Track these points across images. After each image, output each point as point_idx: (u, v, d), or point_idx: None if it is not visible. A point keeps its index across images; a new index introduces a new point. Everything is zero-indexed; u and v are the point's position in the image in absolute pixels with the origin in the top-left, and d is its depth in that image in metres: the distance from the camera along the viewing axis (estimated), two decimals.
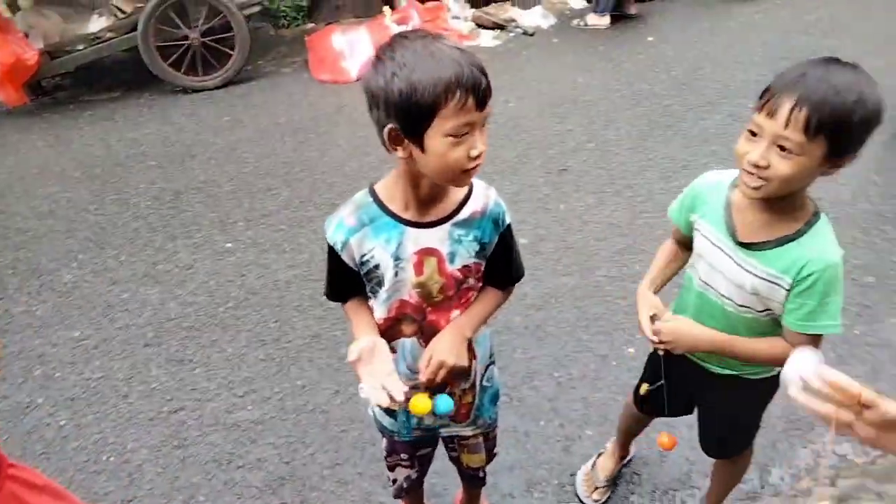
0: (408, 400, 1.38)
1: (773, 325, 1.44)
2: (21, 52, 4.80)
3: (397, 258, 1.34)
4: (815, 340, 1.35)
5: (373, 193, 1.35)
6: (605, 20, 5.88)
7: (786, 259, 1.33)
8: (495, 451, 1.86)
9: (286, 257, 3.34)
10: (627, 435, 2.15)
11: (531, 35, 5.90)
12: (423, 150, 1.18)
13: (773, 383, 1.54)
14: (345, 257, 1.36)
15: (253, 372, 2.70)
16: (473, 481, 1.90)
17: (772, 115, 1.20)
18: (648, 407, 1.96)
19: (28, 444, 2.45)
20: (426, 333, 1.44)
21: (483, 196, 1.37)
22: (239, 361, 2.76)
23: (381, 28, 5.37)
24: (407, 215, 1.32)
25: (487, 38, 5.81)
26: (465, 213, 1.35)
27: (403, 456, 1.72)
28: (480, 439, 1.73)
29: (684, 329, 1.49)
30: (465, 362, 1.42)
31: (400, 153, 1.21)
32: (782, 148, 1.21)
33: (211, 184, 4.00)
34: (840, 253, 1.32)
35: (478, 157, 1.19)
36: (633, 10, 6.04)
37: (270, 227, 3.57)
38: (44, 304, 3.15)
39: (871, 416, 0.89)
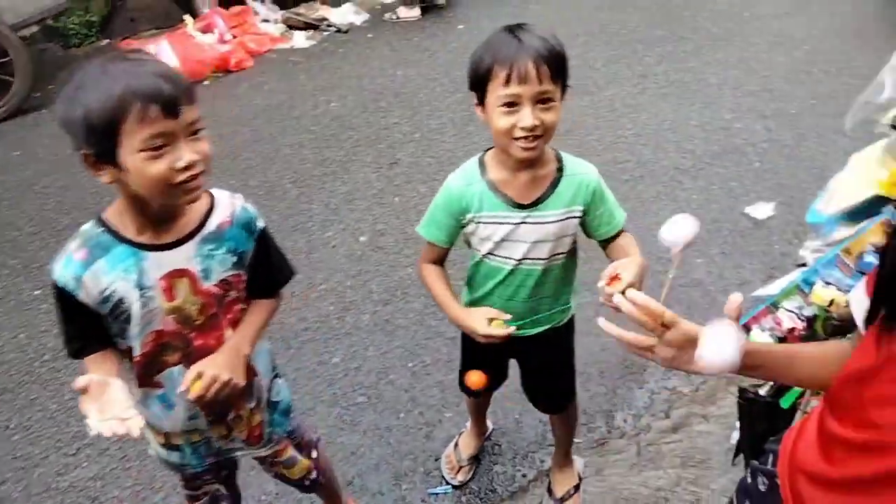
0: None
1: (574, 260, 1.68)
2: None
3: (142, 287, 1.24)
4: (621, 234, 1.62)
5: (102, 222, 1.24)
6: (416, 12, 5.99)
7: (566, 193, 1.53)
8: (318, 445, 1.78)
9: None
10: (478, 412, 2.21)
11: (345, 32, 5.87)
12: (122, 170, 1.13)
13: (571, 323, 1.80)
14: (82, 297, 1.23)
15: (84, 425, 2.44)
16: (303, 489, 1.81)
17: (524, 80, 1.34)
18: (473, 391, 2.01)
19: None
20: (194, 359, 1.33)
21: (228, 205, 1.33)
22: (66, 417, 2.50)
23: (185, 38, 5.08)
24: (143, 239, 1.24)
25: (301, 39, 5.70)
26: (211, 226, 1.29)
27: (207, 477, 1.60)
28: (291, 451, 1.65)
29: (633, 261, 1.42)
30: (242, 380, 1.36)
31: (105, 178, 1.16)
32: (544, 101, 1.37)
33: (7, 227, 3.58)
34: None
35: (186, 168, 1.14)
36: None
37: None
38: None
39: (671, 336, 0.97)
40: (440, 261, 1.72)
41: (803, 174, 3.55)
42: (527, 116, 1.36)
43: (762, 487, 1.12)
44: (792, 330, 1.42)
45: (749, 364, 1.01)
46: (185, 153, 1.13)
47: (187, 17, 5.36)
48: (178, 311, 1.29)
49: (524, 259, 1.58)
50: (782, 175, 3.57)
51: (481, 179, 1.55)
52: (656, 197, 3.49)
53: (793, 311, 1.43)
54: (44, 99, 4.97)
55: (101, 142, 1.10)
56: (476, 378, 1.72)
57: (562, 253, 1.58)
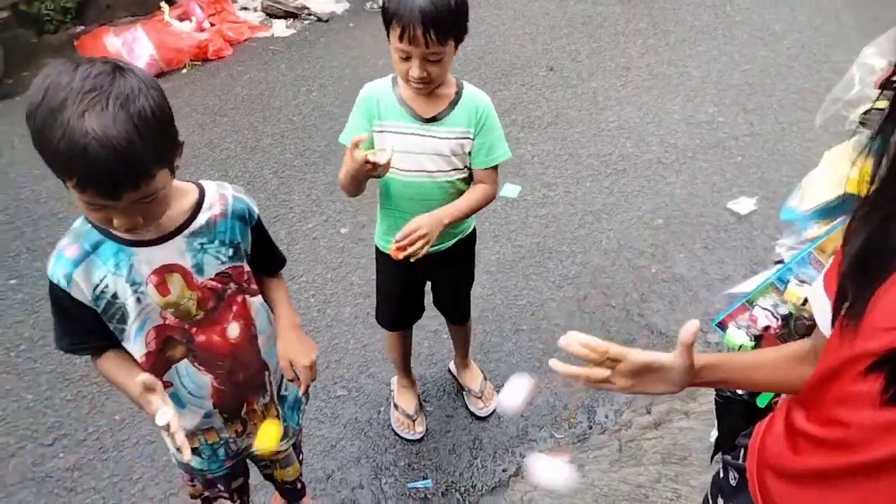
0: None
1: (467, 184, 1.82)
2: None
3: (134, 283, 1.22)
4: (496, 172, 1.79)
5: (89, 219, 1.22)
6: None
7: (462, 115, 1.70)
8: (301, 456, 1.82)
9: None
10: (405, 360, 2.32)
11: (326, 21, 5.79)
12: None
13: (474, 235, 2.03)
14: (75, 293, 1.21)
15: (61, 415, 2.43)
16: (293, 494, 1.83)
17: (413, 42, 1.50)
18: (398, 322, 2.19)
19: None
20: (199, 355, 1.33)
21: (219, 198, 1.30)
22: (42, 407, 2.46)
23: (161, 26, 4.98)
24: (128, 235, 1.20)
25: (281, 28, 5.61)
26: (201, 220, 1.26)
27: (220, 487, 1.61)
28: (290, 450, 1.67)
29: (425, 219, 1.65)
30: (316, 349, 1.41)
31: None
32: (432, 59, 1.55)
33: None
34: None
35: (128, 230, 1.13)
36: None
37: None
38: None
39: (623, 367, 0.99)
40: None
41: (785, 168, 3.58)
42: (415, 69, 1.56)
43: (733, 482, 1.13)
44: (767, 328, 1.42)
45: (708, 378, 1.04)
46: (121, 219, 1.09)
47: (164, 5, 5.23)
48: (175, 306, 1.27)
49: (423, 171, 1.73)
50: (764, 169, 3.60)
51: (391, 92, 1.72)
52: (640, 191, 3.50)
53: (768, 309, 1.43)
54: (16, 86, 4.86)
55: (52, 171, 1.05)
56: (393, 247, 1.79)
57: (456, 169, 1.75)
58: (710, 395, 2.35)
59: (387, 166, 1.58)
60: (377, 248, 2.01)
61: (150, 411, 1.17)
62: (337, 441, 2.32)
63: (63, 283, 1.19)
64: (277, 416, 1.54)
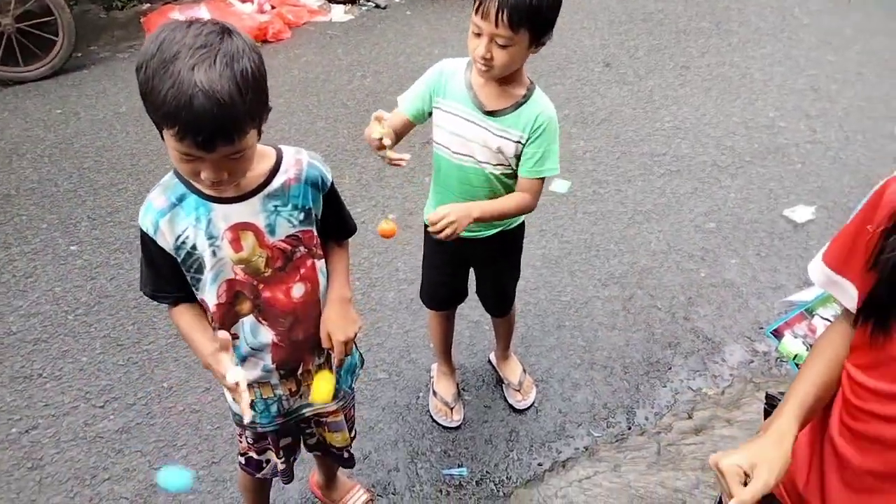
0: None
1: (513, 180, 1.80)
2: None
3: (211, 236, 1.29)
4: (540, 184, 1.75)
5: (178, 173, 1.28)
6: None
7: (521, 118, 1.68)
8: (354, 430, 1.84)
9: (140, 255, 3.12)
10: (446, 345, 2.33)
11: (384, 8, 5.82)
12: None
13: (521, 228, 2.02)
14: (160, 242, 1.29)
15: (112, 379, 2.52)
16: (341, 461, 1.85)
17: (485, 17, 1.49)
18: (439, 301, 2.21)
19: None
20: (264, 311, 1.40)
21: (294, 163, 1.34)
22: (95, 370, 2.56)
23: (223, 6, 5.08)
24: (209, 192, 1.26)
25: (339, 13, 5.66)
26: (276, 183, 1.31)
27: (269, 441, 1.65)
28: (342, 416, 1.70)
29: (456, 207, 1.63)
30: (357, 325, 1.45)
31: None
32: (500, 44, 1.52)
33: (46, 183, 3.64)
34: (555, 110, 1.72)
35: (213, 184, 1.18)
36: None
37: (119, 225, 3.31)
38: None
39: None
40: (401, 129, 1.79)
41: (847, 178, 3.47)
42: (480, 47, 1.54)
43: None
44: None
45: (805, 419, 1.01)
46: (209, 172, 1.14)
47: None
48: (246, 263, 1.33)
49: (471, 157, 1.74)
50: (825, 178, 3.49)
51: (463, 73, 1.72)
52: (693, 193, 3.43)
53: (828, 319, 1.39)
54: (85, 59, 5.02)
55: (151, 119, 1.13)
56: (387, 226, 1.72)
57: (502, 164, 1.74)
58: (754, 403, 2.32)
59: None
60: (426, 225, 2.02)
61: (220, 369, 1.25)
62: (375, 423, 2.35)
63: (150, 231, 1.28)
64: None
